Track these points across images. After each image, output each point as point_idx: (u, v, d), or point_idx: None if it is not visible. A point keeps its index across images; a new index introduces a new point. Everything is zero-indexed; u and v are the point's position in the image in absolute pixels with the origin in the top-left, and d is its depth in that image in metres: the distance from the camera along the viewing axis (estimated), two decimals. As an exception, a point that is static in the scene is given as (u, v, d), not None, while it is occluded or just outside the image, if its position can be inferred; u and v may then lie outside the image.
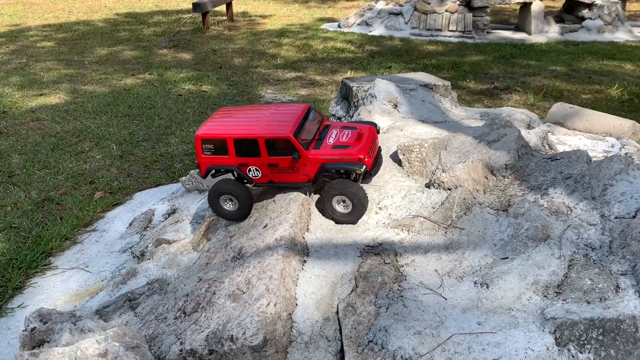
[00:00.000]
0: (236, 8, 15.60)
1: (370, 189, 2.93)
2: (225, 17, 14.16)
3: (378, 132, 3.01)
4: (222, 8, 14.33)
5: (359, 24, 12.76)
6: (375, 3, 13.03)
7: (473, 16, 11.77)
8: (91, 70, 9.61)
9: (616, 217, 2.43)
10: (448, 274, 2.36)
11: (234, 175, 2.88)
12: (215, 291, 2.40)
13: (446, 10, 11.81)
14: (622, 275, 2.15)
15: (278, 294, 2.19)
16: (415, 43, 11.43)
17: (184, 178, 4.33)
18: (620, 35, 11.25)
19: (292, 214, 2.59)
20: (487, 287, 2.20)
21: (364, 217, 2.78)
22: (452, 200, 2.78)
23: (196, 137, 2.78)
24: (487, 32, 11.92)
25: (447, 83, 4.31)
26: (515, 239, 2.45)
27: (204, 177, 2.89)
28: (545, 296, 2.12)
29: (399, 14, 12.41)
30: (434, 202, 2.85)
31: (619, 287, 2.09)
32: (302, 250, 2.49)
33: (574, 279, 2.18)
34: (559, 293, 2.13)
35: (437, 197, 2.87)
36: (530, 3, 11.70)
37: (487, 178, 2.96)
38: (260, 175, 2.77)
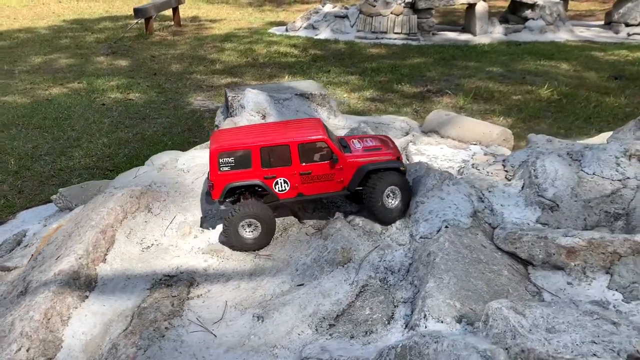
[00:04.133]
0: (188, 12, 15.39)
1: (190, 212, 2.75)
2: (173, 23, 13.92)
3: None
4: (171, 13, 14.08)
5: (305, 28, 12.60)
6: (322, 6, 12.89)
7: (418, 18, 11.69)
8: (18, 80, 9.31)
9: (421, 237, 2.29)
10: (236, 305, 2.19)
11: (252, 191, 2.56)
12: (-13, 331, 2.20)
13: (391, 13, 11.71)
14: (403, 303, 2.00)
15: (34, 338, 2.00)
16: (360, 46, 11.30)
17: (54, 196, 4.11)
18: (562, 35, 11.24)
19: (84, 243, 2.40)
20: (262, 321, 2.03)
21: (179, 242, 2.60)
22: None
23: (212, 152, 2.46)
24: (433, 34, 11.84)
25: (325, 92, 4.15)
26: (316, 262, 2.30)
27: (220, 198, 2.52)
28: (316, 330, 1.96)
29: (344, 17, 12.28)
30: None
31: (392, 318, 1.94)
32: (85, 285, 2.30)
33: (357, 307, 2.03)
34: (332, 325, 1.97)
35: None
36: (475, 4, 11.65)
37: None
38: (288, 189, 2.51)
